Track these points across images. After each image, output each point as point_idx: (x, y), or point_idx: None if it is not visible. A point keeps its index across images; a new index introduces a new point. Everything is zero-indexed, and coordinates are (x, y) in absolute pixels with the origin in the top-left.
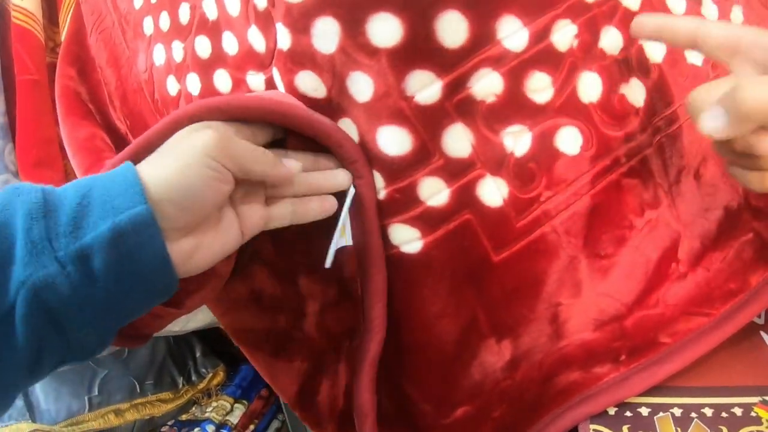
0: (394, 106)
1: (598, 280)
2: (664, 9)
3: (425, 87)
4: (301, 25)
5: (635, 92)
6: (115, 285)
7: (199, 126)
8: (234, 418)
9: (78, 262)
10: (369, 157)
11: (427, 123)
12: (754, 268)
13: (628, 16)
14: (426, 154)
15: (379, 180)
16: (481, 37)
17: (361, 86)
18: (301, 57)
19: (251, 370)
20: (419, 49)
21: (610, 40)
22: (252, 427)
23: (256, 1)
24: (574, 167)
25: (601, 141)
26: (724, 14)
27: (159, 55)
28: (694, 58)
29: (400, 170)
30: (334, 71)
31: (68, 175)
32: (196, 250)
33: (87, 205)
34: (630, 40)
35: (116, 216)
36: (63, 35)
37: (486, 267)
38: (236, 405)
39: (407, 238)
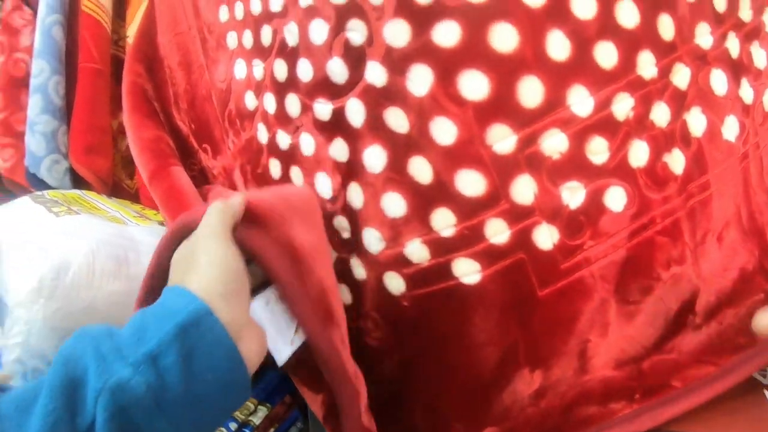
0: (475, 153)
1: (624, 323)
2: (708, 89)
3: (503, 139)
4: (398, 67)
5: (676, 161)
6: (187, 379)
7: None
8: (257, 419)
9: (149, 362)
10: (444, 195)
11: (500, 170)
12: None
13: (677, 93)
14: (496, 197)
15: (450, 217)
16: (555, 101)
17: (445, 131)
18: (394, 95)
19: (276, 376)
20: (502, 106)
21: (660, 114)
22: (272, 430)
23: (350, 36)
24: (616, 222)
25: (642, 202)
26: (758, 96)
27: (240, 69)
28: (728, 134)
29: (472, 210)
30: (420, 113)
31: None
32: (255, 342)
33: (146, 321)
34: (676, 115)
35: (175, 317)
36: (130, 30)
37: (531, 301)
38: (260, 407)
39: (468, 271)
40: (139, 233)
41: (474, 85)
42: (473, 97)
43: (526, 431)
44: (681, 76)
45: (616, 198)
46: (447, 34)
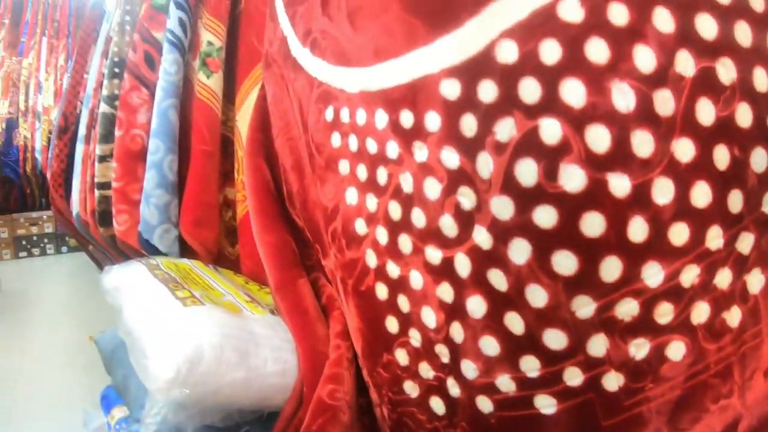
0: (561, 316)
1: None
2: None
3: (584, 306)
4: (502, 236)
5: (733, 317)
6: None
7: None
8: None
9: None
10: (532, 346)
11: (580, 331)
12: None
13: (740, 258)
14: (574, 351)
15: (535, 363)
16: (631, 277)
17: (537, 296)
18: (496, 259)
19: None
20: (586, 281)
21: (723, 278)
22: None
23: (461, 200)
24: (675, 370)
25: (700, 352)
26: None
27: (351, 196)
28: None
29: (554, 359)
30: (518, 278)
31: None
32: None
33: None
34: (737, 277)
35: None
36: (239, 115)
37: (596, 429)
38: None
39: (546, 404)
40: (257, 326)
41: (565, 262)
42: (564, 273)
43: None
44: (745, 242)
45: (676, 350)
46: (545, 216)
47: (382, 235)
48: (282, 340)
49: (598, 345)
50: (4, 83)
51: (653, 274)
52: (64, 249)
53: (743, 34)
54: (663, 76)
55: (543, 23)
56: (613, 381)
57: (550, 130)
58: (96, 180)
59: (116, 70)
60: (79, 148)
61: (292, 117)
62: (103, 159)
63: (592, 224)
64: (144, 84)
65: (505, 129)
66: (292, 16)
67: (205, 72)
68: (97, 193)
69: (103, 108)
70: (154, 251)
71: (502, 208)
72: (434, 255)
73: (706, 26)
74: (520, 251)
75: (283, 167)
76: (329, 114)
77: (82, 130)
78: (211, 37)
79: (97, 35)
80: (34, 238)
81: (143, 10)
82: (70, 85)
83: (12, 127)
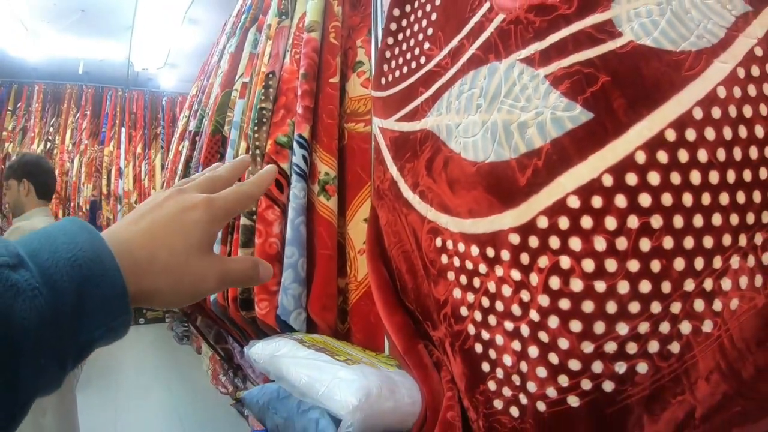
0: (576, 353)
1: (652, 424)
2: None
3: (588, 347)
4: (545, 314)
5: (674, 348)
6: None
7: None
8: None
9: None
10: (562, 370)
11: (587, 359)
12: None
13: (674, 317)
14: (585, 371)
15: (565, 379)
16: (610, 331)
17: (563, 343)
18: (541, 326)
19: None
20: (587, 333)
21: (664, 327)
22: None
23: (522, 296)
24: (643, 378)
25: (657, 368)
26: None
27: (457, 293)
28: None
29: (575, 375)
30: (554, 335)
31: None
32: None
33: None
34: (673, 325)
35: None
36: (349, 226)
37: (602, 414)
38: None
39: (574, 401)
40: (394, 375)
41: (576, 328)
42: (576, 331)
43: None
44: (677, 307)
45: (642, 368)
46: (566, 303)
47: (477, 316)
48: (410, 383)
49: (597, 366)
50: (88, 169)
51: (623, 328)
52: (141, 321)
53: None
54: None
55: (559, 209)
56: (608, 386)
57: (566, 264)
58: None
59: None
60: (216, 249)
61: (405, 237)
62: None
63: (590, 305)
64: (276, 203)
65: (543, 261)
66: (401, 168)
67: (325, 196)
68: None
69: (244, 221)
70: (287, 329)
71: (545, 300)
72: (509, 326)
73: None
74: (553, 322)
75: (398, 270)
76: (438, 242)
77: (219, 235)
78: (327, 168)
79: (221, 156)
80: None
81: (269, 146)
82: None
83: (95, 208)
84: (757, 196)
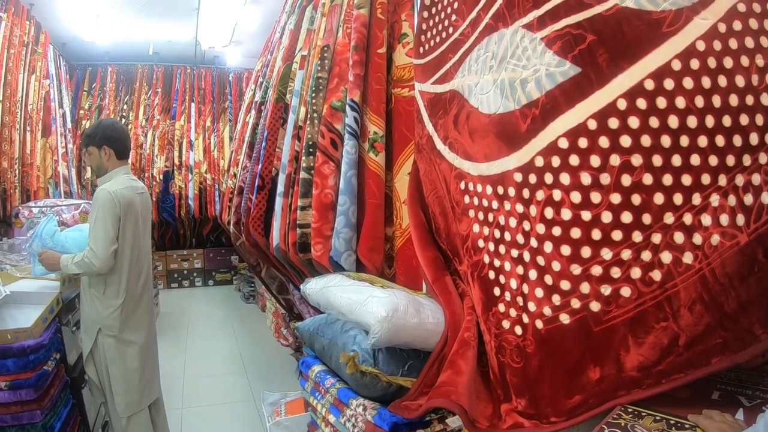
0: (567, 274)
1: (637, 347)
2: None
3: (576, 269)
4: (542, 240)
5: (656, 275)
6: None
7: None
8: None
9: None
10: (556, 291)
11: (576, 280)
12: None
13: (654, 246)
14: (574, 290)
15: (558, 298)
16: (596, 255)
17: (556, 265)
18: (540, 251)
19: None
20: (576, 256)
21: (646, 255)
22: None
23: (524, 226)
24: (627, 301)
25: (639, 293)
26: None
27: (476, 228)
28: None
29: (566, 295)
30: (549, 259)
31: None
32: None
33: None
34: (654, 254)
35: None
36: (396, 179)
37: (590, 331)
38: None
39: (565, 318)
40: (421, 299)
41: (566, 251)
42: (565, 254)
43: None
44: (658, 239)
45: (626, 291)
46: (558, 230)
47: (491, 246)
48: (436, 307)
49: (585, 287)
50: (161, 142)
51: (606, 253)
52: (210, 282)
53: None
54: None
55: (552, 149)
56: (595, 306)
57: (558, 196)
58: (298, 222)
59: (311, 149)
60: (279, 201)
61: (438, 184)
62: (303, 208)
63: (578, 232)
64: (331, 159)
65: (540, 195)
66: (435, 124)
67: (374, 152)
68: (298, 230)
69: (303, 175)
70: (339, 269)
71: (541, 229)
72: (515, 253)
73: None
74: (548, 247)
75: (433, 213)
76: (462, 185)
77: (280, 188)
78: (376, 128)
79: (284, 121)
80: (185, 271)
81: (325, 109)
82: (265, 156)
83: (168, 178)
84: (737, 140)
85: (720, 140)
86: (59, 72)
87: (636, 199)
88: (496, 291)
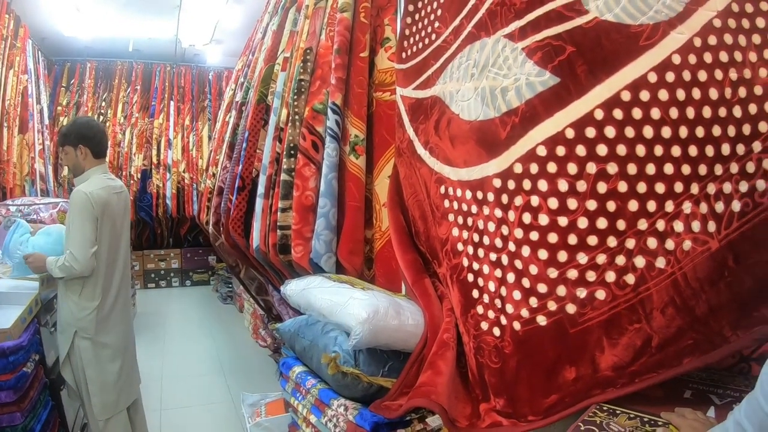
0: (543, 278)
1: (611, 348)
2: None
3: (553, 272)
4: (520, 245)
5: (629, 279)
6: None
7: None
8: None
9: None
10: (533, 293)
11: (553, 283)
12: None
13: (628, 251)
14: (551, 293)
15: (535, 301)
16: (572, 259)
17: (533, 269)
18: (517, 255)
19: None
20: (553, 260)
21: (620, 260)
22: None
23: (503, 231)
24: (602, 303)
25: (613, 296)
26: None
27: (455, 232)
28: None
29: (542, 297)
30: (525, 263)
31: None
32: None
33: None
34: (628, 259)
35: None
36: (376, 182)
37: (566, 333)
38: None
39: (542, 320)
40: (401, 301)
41: (543, 255)
42: (542, 258)
43: None
44: (631, 244)
45: (600, 294)
46: (534, 233)
47: (470, 250)
48: (415, 309)
49: (561, 290)
50: (139, 140)
51: (582, 258)
52: (188, 282)
53: None
54: None
55: (531, 156)
56: (571, 308)
57: (535, 202)
58: (278, 223)
59: (292, 152)
60: (259, 202)
61: (419, 188)
62: (284, 210)
63: (555, 237)
64: (312, 161)
65: (518, 200)
66: (416, 129)
67: (355, 155)
68: (278, 232)
69: (284, 177)
70: (319, 270)
71: (519, 233)
72: (493, 256)
73: None
74: (525, 251)
75: (412, 217)
76: (442, 189)
77: (260, 190)
78: (357, 131)
79: (265, 122)
80: (162, 271)
81: (307, 112)
82: (245, 157)
83: (146, 177)
84: (709, 150)
85: (693, 150)
86: (38, 67)
87: (611, 205)
88: (475, 293)
